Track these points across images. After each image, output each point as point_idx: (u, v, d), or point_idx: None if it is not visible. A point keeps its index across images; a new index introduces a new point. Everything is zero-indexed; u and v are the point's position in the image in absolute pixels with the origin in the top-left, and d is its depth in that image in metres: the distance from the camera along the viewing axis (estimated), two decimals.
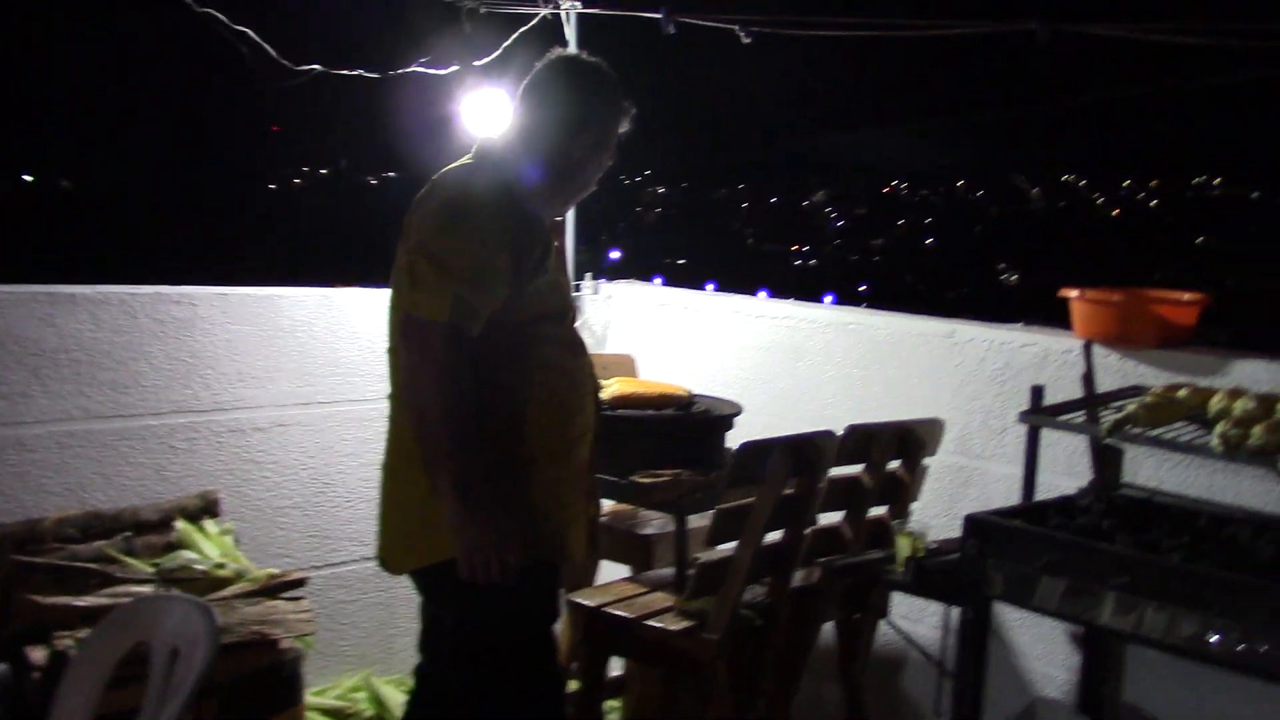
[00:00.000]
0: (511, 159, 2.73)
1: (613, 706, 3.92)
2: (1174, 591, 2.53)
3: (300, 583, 3.41)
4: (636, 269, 4.92)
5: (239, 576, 3.34)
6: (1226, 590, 2.45)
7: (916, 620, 3.80)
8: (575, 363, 2.79)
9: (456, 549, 2.53)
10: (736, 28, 3.45)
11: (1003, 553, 2.80)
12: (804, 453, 3.11)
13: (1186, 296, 3.41)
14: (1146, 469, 3.34)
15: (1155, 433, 2.83)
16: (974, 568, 2.84)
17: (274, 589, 3.34)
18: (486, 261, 2.55)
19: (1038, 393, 3.15)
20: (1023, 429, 3.57)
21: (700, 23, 3.56)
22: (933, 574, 3.03)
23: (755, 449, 3.01)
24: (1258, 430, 2.63)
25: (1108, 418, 3.03)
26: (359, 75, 3.85)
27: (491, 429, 2.59)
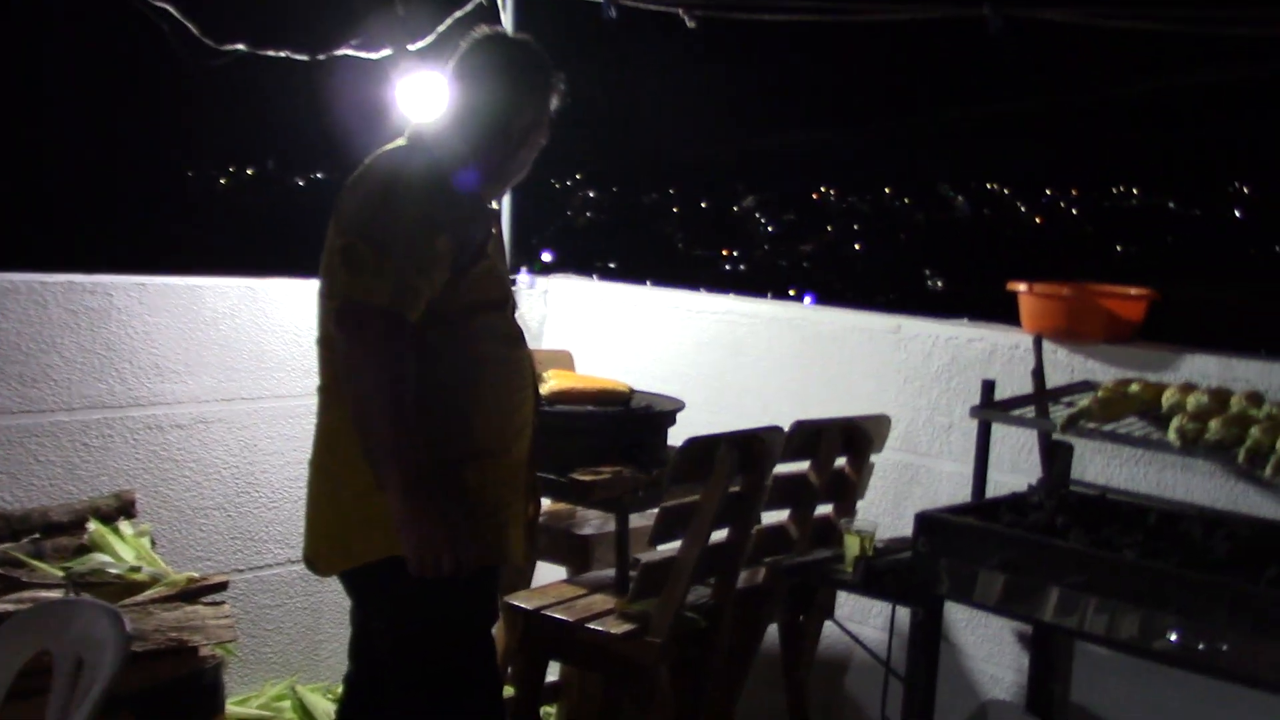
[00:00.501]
0: (446, 142, 2.61)
1: (549, 712, 3.79)
2: (1131, 589, 2.47)
3: (221, 586, 3.24)
4: (566, 270, 4.79)
5: (155, 581, 3.16)
6: (1186, 588, 2.39)
7: (861, 621, 3.72)
8: (515, 354, 2.68)
9: (405, 546, 2.41)
10: (680, 11, 3.34)
11: (955, 551, 2.72)
12: (750, 448, 3.01)
13: (1134, 291, 3.37)
14: (1096, 466, 3.29)
15: (1109, 427, 2.78)
16: (925, 567, 2.76)
17: (193, 593, 3.17)
18: (427, 243, 2.43)
19: (989, 387, 3.09)
20: (969, 425, 3.50)
21: (643, 6, 3.45)
22: (883, 574, 2.95)
23: (700, 445, 2.90)
24: (1214, 424, 2.59)
25: (1061, 412, 2.97)
26: (287, 57, 3.69)
27: (427, 423, 2.46)
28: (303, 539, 2.66)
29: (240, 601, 3.84)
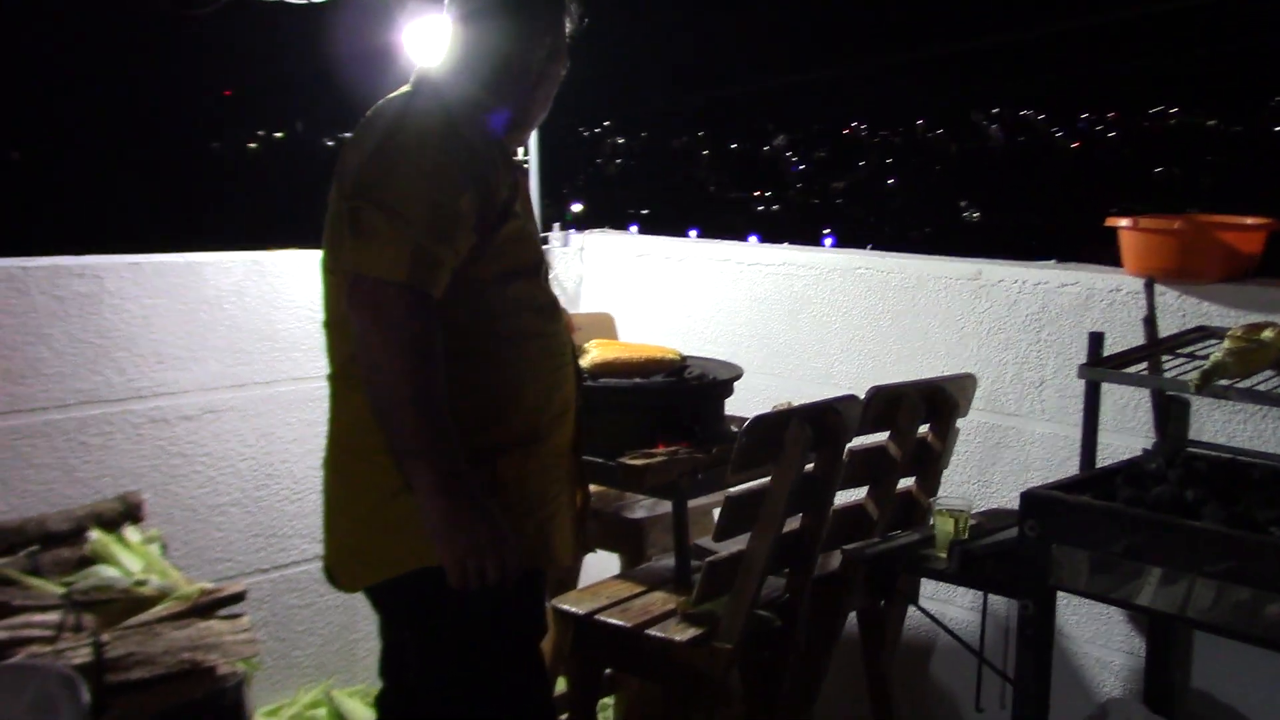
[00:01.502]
0: (458, 84, 2.24)
1: (605, 704, 3.46)
2: None
3: (239, 596, 2.92)
4: (599, 222, 4.41)
5: (165, 595, 2.84)
6: None
7: (947, 600, 3.36)
8: (551, 327, 2.33)
9: (444, 553, 2.08)
10: None
11: (1070, 535, 2.35)
12: (824, 423, 2.64)
13: (1250, 221, 2.96)
14: (1215, 422, 2.90)
15: (1248, 384, 2.38)
16: (1035, 553, 2.39)
17: (207, 607, 2.85)
18: (447, 203, 2.08)
19: (1096, 340, 2.69)
20: (1063, 381, 3.14)
21: None
22: (983, 560, 2.58)
23: (768, 423, 2.54)
24: None
25: (1179, 366, 2.57)
26: (281, 1, 3.31)
27: (459, 410, 2.11)
28: (323, 547, 2.33)
29: (267, 604, 3.53)
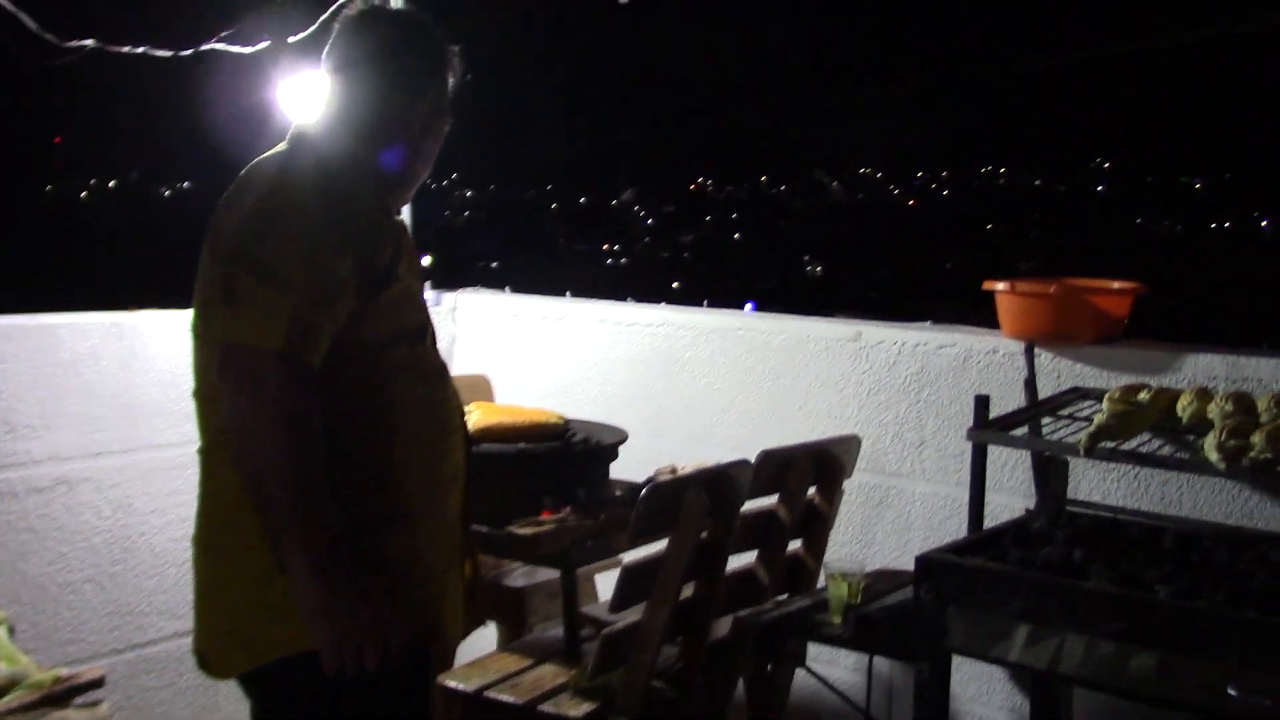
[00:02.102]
0: (335, 140, 2.15)
1: None
2: (1179, 637, 2.13)
3: (98, 682, 2.73)
4: (447, 274, 4.33)
5: (14, 684, 2.64)
6: (1249, 634, 2.06)
7: (830, 662, 3.35)
8: (439, 394, 2.24)
9: (319, 638, 1.95)
10: None
11: (964, 598, 2.36)
12: (718, 489, 2.61)
13: (1118, 285, 3.06)
14: (1089, 480, 2.97)
15: (1131, 446, 2.44)
16: (930, 617, 2.39)
17: (61, 695, 2.65)
18: (326, 267, 1.97)
19: (983, 404, 2.73)
20: (943, 441, 3.18)
21: None
22: (878, 625, 2.58)
23: (664, 491, 2.49)
24: (1258, 439, 2.26)
25: (1071, 431, 2.63)
26: (145, 53, 3.16)
27: (342, 485, 2.01)
28: (193, 629, 2.18)
29: (122, 686, 3.32)
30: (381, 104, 2.17)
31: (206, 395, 2.10)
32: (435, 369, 2.25)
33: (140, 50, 3.13)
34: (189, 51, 3.22)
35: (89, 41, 3.01)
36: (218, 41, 3.17)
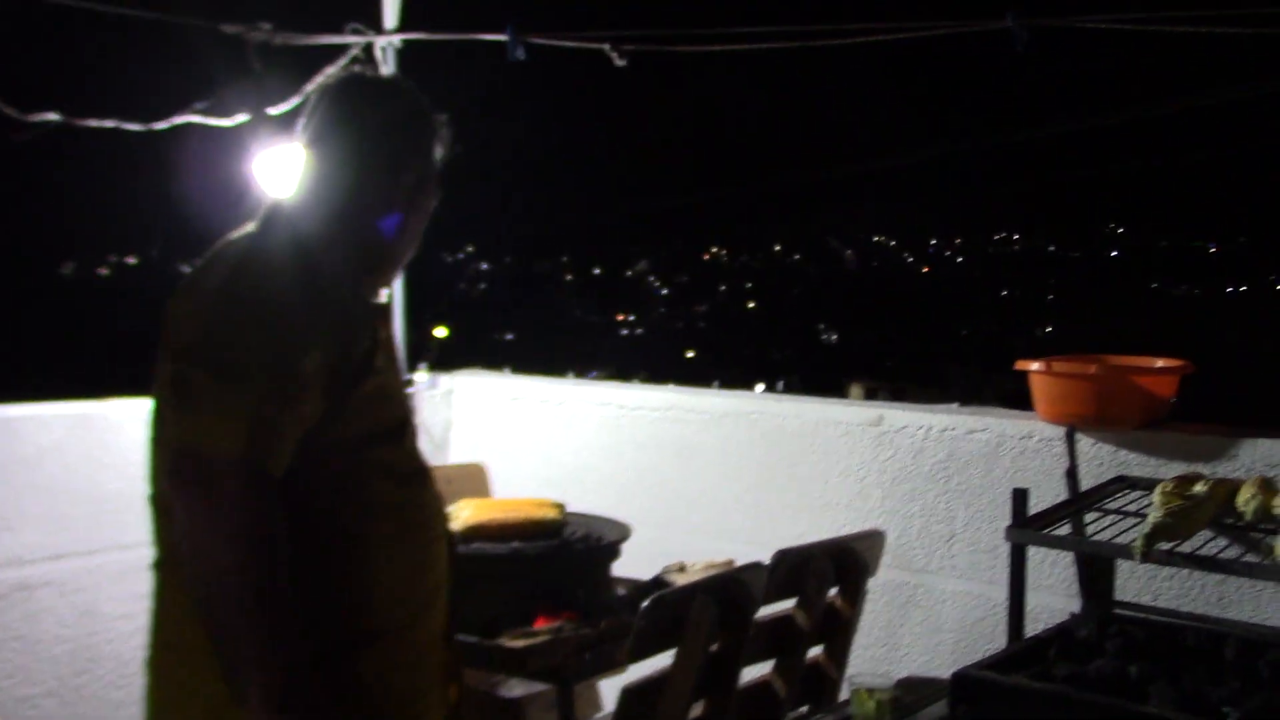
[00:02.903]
0: (308, 218, 1.94)
1: None
2: None
3: None
4: (464, 346, 4.11)
5: None
6: None
7: None
8: (419, 498, 2.00)
9: None
10: (607, 47, 2.72)
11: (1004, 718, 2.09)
12: (729, 597, 2.35)
13: (1162, 363, 2.82)
14: (1136, 580, 2.71)
15: (1190, 547, 2.18)
16: None
17: None
18: (290, 364, 1.76)
19: (1021, 498, 2.47)
20: (975, 534, 2.93)
21: (558, 44, 2.82)
22: None
23: (668, 603, 2.24)
24: None
25: (1119, 527, 2.37)
26: (116, 128, 2.98)
27: (311, 602, 1.78)
28: None
29: None
30: (360, 178, 1.97)
31: (161, 504, 1.88)
32: (414, 469, 2.01)
33: (110, 124, 2.95)
34: (163, 125, 3.04)
35: (54, 115, 2.83)
36: (192, 113, 2.99)
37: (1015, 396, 3.33)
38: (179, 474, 1.73)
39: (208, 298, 1.83)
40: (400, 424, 1.99)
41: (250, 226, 1.97)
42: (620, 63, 2.67)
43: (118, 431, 3.12)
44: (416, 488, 2.00)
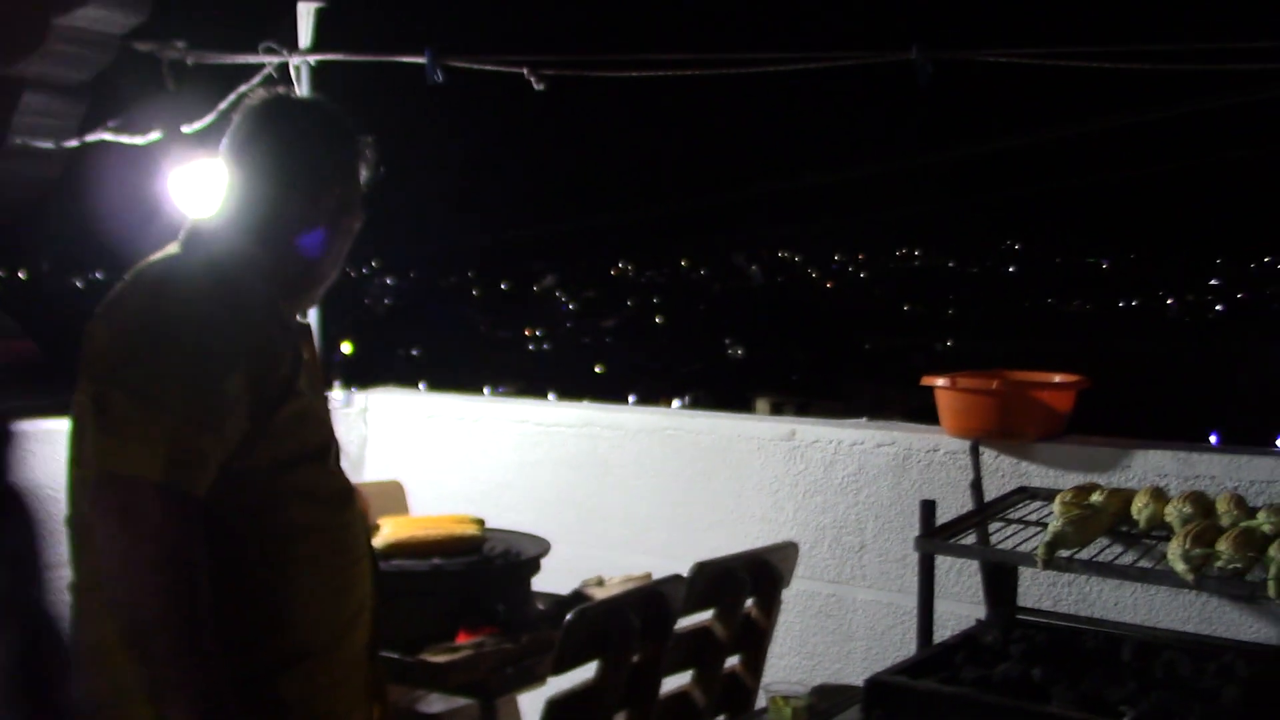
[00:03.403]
0: (229, 238, 1.95)
1: None
2: None
3: None
4: (370, 363, 4.11)
5: None
6: None
7: None
8: (342, 519, 2.01)
9: None
10: (525, 70, 2.77)
11: None
12: (651, 609, 2.41)
13: (1059, 379, 2.94)
14: (1038, 586, 2.82)
15: (1089, 554, 2.29)
16: None
17: None
18: (212, 385, 1.77)
19: (929, 510, 2.57)
20: (884, 545, 3.03)
21: (476, 67, 2.86)
22: None
23: (592, 616, 2.28)
24: (1224, 546, 2.12)
25: (1021, 536, 2.48)
26: (23, 145, 2.94)
27: (233, 624, 1.79)
28: None
29: None
30: (283, 198, 1.97)
31: (79, 526, 1.87)
32: (338, 490, 2.03)
33: (18, 141, 2.91)
34: (74, 143, 3.01)
35: None
36: (105, 131, 2.97)
37: (919, 411, 3.44)
38: (99, 498, 1.74)
39: (129, 320, 1.84)
40: (324, 446, 2.00)
41: (171, 248, 1.98)
42: (539, 86, 2.73)
43: (35, 453, 3.07)
44: (338, 509, 2.01)
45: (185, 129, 3.13)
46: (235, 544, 1.83)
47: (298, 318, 2.09)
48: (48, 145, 2.94)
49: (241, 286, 1.90)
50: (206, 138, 3.21)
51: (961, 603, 2.87)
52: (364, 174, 2.08)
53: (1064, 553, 2.27)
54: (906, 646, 2.94)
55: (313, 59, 3.36)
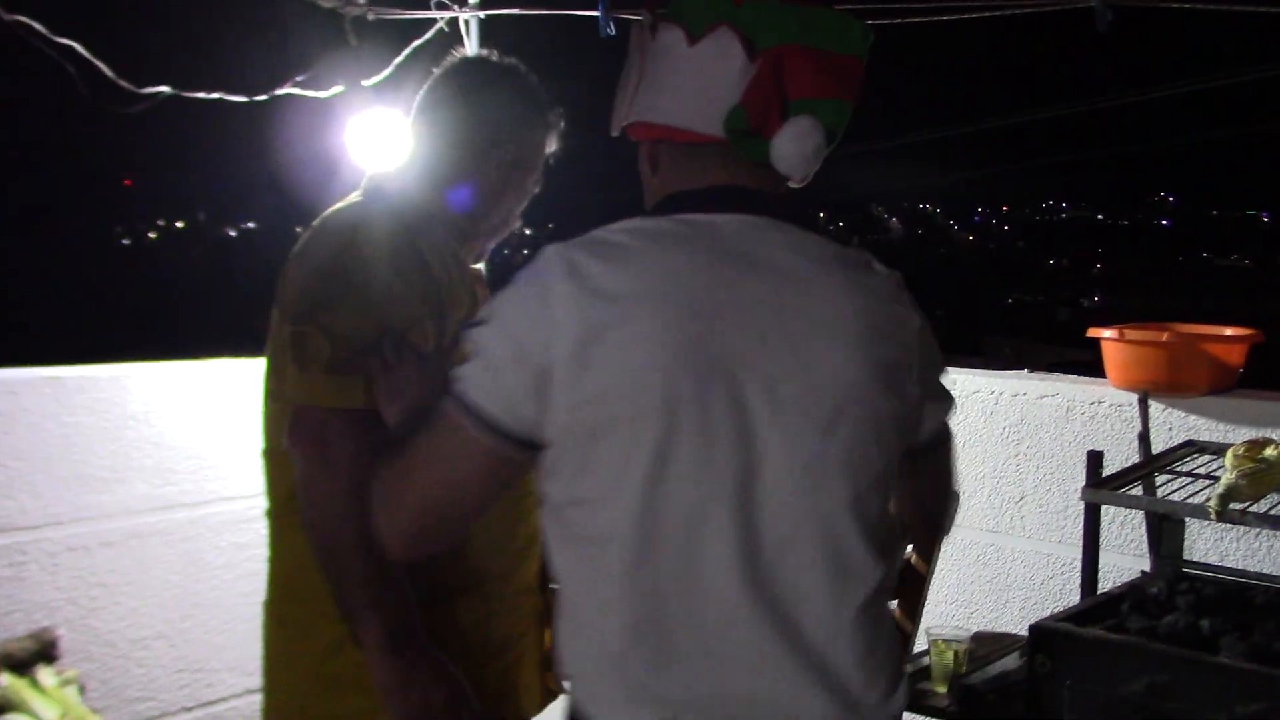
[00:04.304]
0: (412, 192, 2.05)
1: None
2: None
3: None
4: None
5: None
6: None
7: None
8: None
9: (394, 717, 1.84)
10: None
11: (1084, 671, 2.20)
12: None
13: (1232, 332, 2.89)
14: (1204, 541, 2.80)
15: (1262, 508, 2.27)
16: (1046, 690, 2.24)
17: None
18: (401, 326, 1.87)
19: (1096, 460, 2.58)
20: (1044, 496, 3.02)
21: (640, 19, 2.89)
22: (985, 696, 2.42)
23: None
24: None
25: (1190, 489, 2.47)
26: (220, 99, 3.11)
27: None
28: (260, 703, 2.08)
29: None
30: (456, 148, 2.05)
31: (275, 455, 2.00)
32: None
33: (215, 96, 3.08)
34: (264, 97, 3.17)
35: (165, 88, 2.96)
36: (292, 86, 3.12)
37: (1062, 368, 3.41)
38: (299, 429, 1.85)
39: (320, 266, 1.93)
40: None
41: (354, 197, 2.08)
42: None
43: (220, 390, 3.27)
44: None
45: (365, 83, 3.26)
46: None
47: (470, 263, 2.18)
48: (240, 99, 3.11)
49: (423, 233, 2.00)
50: (383, 90, 3.34)
51: (1125, 555, 2.87)
52: (549, 142, 2.13)
53: (1237, 506, 2.26)
54: (1065, 597, 2.95)
55: (483, 14, 3.46)
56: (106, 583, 3.08)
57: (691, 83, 1.42)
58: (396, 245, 1.94)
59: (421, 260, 1.95)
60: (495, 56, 2.14)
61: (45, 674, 2.80)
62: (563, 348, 1.31)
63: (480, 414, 1.35)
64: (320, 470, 1.82)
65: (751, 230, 1.41)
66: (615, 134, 1.55)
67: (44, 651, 2.85)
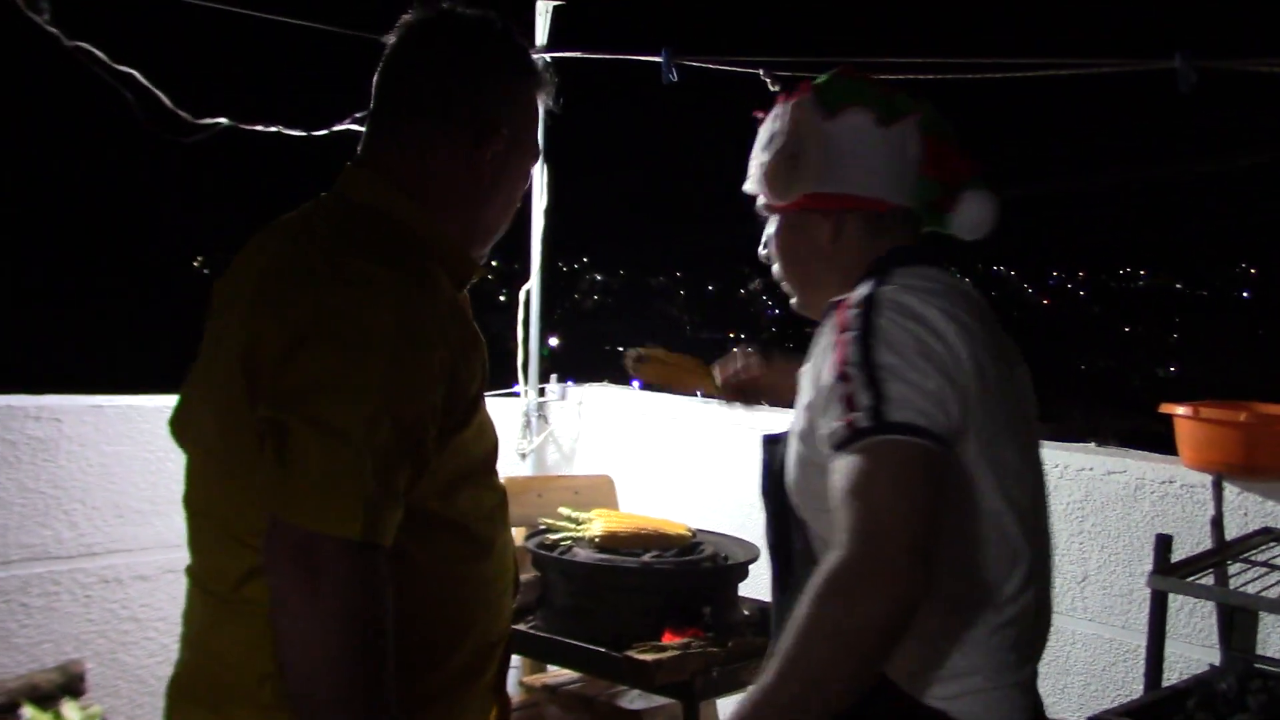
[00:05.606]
0: (388, 197, 1.58)
1: None
2: None
3: None
4: (576, 357, 4.19)
5: None
6: None
7: None
8: (503, 536, 1.70)
9: None
10: (761, 72, 2.76)
11: None
12: None
13: None
14: (1278, 634, 2.64)
15: None
16: None
17: None
18: (410, 411, 1.44)
19: (1164, 544, 2.43)
20: (1108, 578, 2.88)
21: (712, 66, 2.87)
22: None
23: None
24: None
25: (1271, 583, 2.32)
26: (278, 133, 3.09)
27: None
28: None
29: None
30: (433, 159, 1.59)
31: (232, 530, 1.56)
32: (497, 503, 1.70)
33: (274, 129, 3.06)
34: (323, 131, 3.15)
35: (222, 119, 2.95)
36: (352, 122, 3.10)
37: (1133, 437, 3.26)
38: (277, 549, 1.41)
39: (304, 322, 1.46)
40: (489, 454, 1.67)
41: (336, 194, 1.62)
42: (775, 88, 2.71)
43: None
44: (500, 524, 1.69)
45: None
46: (403, 583, 1.48)
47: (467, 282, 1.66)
48: (298, 133, 3.09)
49: (429, 268, 1.53)
50: None
51: (1193, 645, 2.71)
52: (541, 107, 1.69)
53: None
54: (1128, 687, 2.80)
55: (549, 56, 3.42)
56: (139, 617, 3.03)
57: (883, 159, 1.68)
58: (393, 290, 1.47)
59: (434, 309, 1.50)
60: (461, 8, 1.63)
61: (70, 708, 2.75)
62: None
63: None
64: (306, 605, 1.38)
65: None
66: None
67: (70, 685, 2.81)
